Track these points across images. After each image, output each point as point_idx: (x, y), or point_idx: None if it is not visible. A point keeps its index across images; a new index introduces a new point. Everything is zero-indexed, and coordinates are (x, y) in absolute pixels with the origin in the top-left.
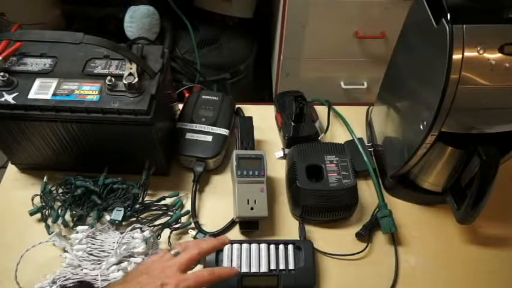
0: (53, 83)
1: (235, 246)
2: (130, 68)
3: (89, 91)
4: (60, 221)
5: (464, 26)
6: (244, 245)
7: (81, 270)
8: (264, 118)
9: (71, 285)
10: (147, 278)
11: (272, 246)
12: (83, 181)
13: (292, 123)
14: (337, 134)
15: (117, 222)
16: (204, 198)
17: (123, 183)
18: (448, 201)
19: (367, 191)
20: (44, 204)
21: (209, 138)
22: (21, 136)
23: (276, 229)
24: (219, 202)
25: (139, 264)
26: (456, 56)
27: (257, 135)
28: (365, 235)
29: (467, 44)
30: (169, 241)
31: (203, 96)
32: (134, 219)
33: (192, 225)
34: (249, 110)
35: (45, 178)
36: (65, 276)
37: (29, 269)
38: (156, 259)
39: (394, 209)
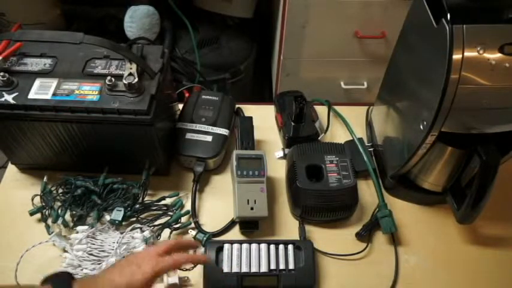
0: (53, 83)
1: (235, 246)
2: (130, 68)
3: (89, 91)
4: (60, 221)
5: (464, 26)
6: (244, 245)
7: (81, 270)
8: (264, 118)
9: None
10: (127, 263)
11: (272, 246)
12: (83, 181)
13: (292, 123)
14: (337, 134)
15: (117, 222)
16: (204, 198)
17: (123, 183)
18: (448, 201)
19: (367, 191)
20: (44, 204)
21: (209, 138)
22: (21, 136)
23: (276, 229)
24: (219, 202)
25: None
26: (456, 56)
27: (257, 135)
28: (365, 235)
29: (467, 44)
30: None
31: (203, 96)
32: (134, 219)
33: (192, 225)
34: (249, 110)
35: (45, 178)
36: None
37: (29, 269)
38: (141, 251)
39: (394, 209)
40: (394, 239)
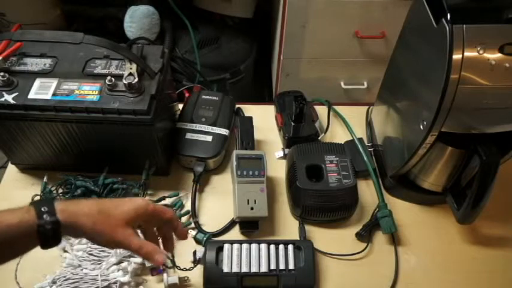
0: (53, 83)
1: (235, 246)
2: (130, 68)
3: (89, 91)
4: None
5: (464, 26)
6: (244, 245)
7: (81, 270)
8: (264, 118)
9: None
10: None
11: (272, 246)
12: (83, 181)
13: (292, 123)
14: (337, 134)
15: None
16: (204, 198)
17: (123, 183)
18: (448, 201)
19: (367, 191)
20: None
21: (209, 138)
22: (21, 136)
23: (276, 229)
24: (219, 202)
25: None
26: (456, 56)
27: (257, 135)
28: (365, 235)
29: (467, 44)
30: None
31: (203, 96)
32: None
33: (192, 225)
34: (249, 110)
35: (45, 178)
36: (64, 276)
37: (29, 269)
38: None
39: (394, 209)
40: (394, 239)
